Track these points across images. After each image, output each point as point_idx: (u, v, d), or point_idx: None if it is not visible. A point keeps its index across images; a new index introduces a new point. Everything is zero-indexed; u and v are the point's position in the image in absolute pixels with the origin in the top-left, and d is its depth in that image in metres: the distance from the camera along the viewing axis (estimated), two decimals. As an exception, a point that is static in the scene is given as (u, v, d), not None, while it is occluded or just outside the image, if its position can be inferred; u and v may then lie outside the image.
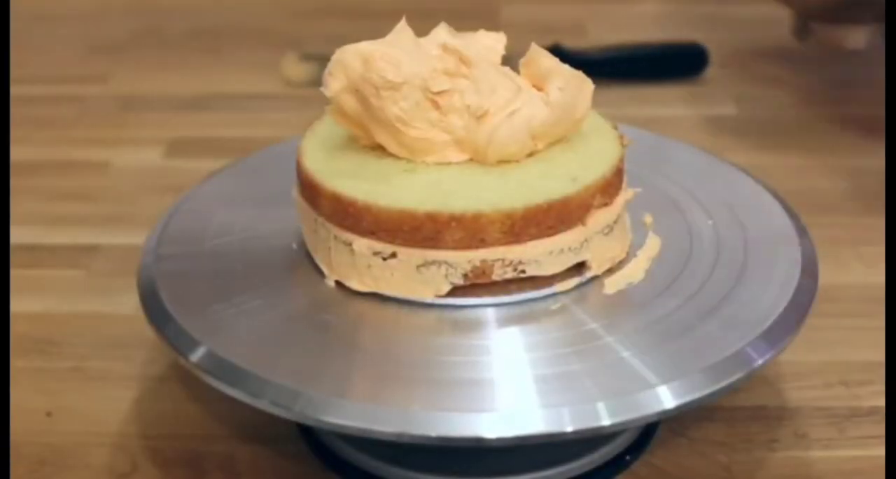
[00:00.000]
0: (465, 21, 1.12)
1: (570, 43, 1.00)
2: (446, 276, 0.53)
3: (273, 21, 1.17)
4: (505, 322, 0.53)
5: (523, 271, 0.53)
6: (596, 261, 0.55)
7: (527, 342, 0.52)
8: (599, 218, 0.55)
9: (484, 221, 0.52)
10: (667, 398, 0.49)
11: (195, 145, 0.91)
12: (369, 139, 0.56)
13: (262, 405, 0.49)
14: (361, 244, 0.53)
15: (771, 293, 0.55)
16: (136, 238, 0.62)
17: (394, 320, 0.54)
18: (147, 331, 0.56)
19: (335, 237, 0.54)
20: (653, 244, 0.58)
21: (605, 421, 0.48)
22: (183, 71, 1.06)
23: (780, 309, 0.54)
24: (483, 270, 0.53)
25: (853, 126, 0.90)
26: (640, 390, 0.49)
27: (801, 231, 0.60)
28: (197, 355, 0.52)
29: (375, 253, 0.53)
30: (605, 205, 0.55)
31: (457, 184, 0.54)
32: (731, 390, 0.51)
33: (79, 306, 0.72)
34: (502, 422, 0.48)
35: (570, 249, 0.54)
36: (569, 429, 0.48)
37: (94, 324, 0.70)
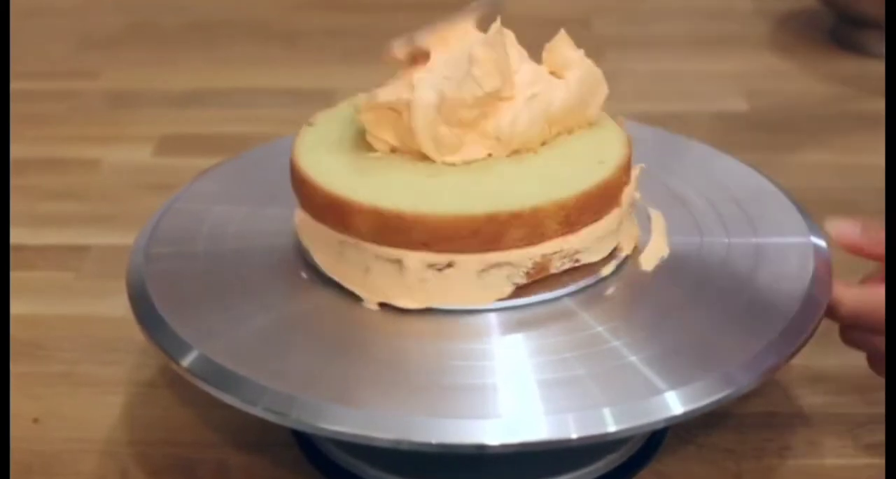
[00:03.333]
0: (466, 15, 1.12)
1: (575, 37, 1.00)
2: (508, 277, 0.53)
3: (267, 15, 1.17)
4: (507, 326, 0.53)
5: (578, 260, 0.54)
6: (625, 242, 0.56)
7: (530, 346, 0.52)
8: (627, 197, 0.55)
9: (542, 215, 0.52)
10: (675, 404, 0.49)
11: (188, 142, 0.91)
12: (391, 141, 0.55)
13: (257, 411, 0.49)
14: (413, 259, 0.52)
15: (783, 296, 0.55)
16: (127, 238, 0.62)
17: (393, 324, 0.53)
18: (137, 335, 0.55)
19: (376, 257, 0.52)
20: (658, 218, 0.59)
21: (611, 428, 0.48)
22: (175, 66, 1.06)
23: (793, 312, 0.53)
24: (543, 265, 0.53)
25: (869, 123, 0.90)
26: (648, 396, 0.49)
27: (814, 231, 0.60)
28: (189, 360, 0.52)
29: (430, 266, 0.52)
30: (627, 183, 0.56)
31: (495, 181, 0.53)
32: (742, 395, 0.50)
33: (67, 308, 0.72)
34: (505, 429, 0.48)
35: (611, 232, 0.55)
36: (574, 436, 0.47)
37: (83, 327, 0.70)
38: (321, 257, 0.55)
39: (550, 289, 0.54)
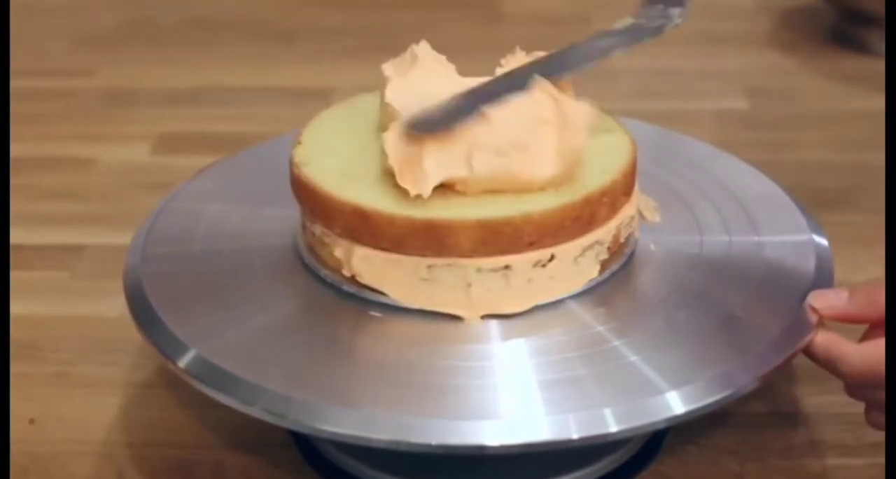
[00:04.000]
0: (465, 11, 1.13)
1: (575, 34, 0.99)
2: (597, 256, 0.54)
3: (266, 13, 1.17)
4: (508, 326, 0.53)
5: (631, 226, 0.56)
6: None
7: (531, 346, 0.52)
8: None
9: (618, 187, 0.54)
10: (676, 404, 0.49)
11: (185, 141, 0.91)
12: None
13: (254, 412, 0.49)
14: (521, 262, 0.52)
15: (784, 295, 0.55)
16: (123, 238, 0.62)
17: (392, 324, 0.53)
18: (134, 335, 0.55)
19: (478, 270, 0.52)
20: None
21: (613, 428, 0.48)
22: (173, 64, 1.05)
23: (794, 311, 0.53)
24: (616, 237, 0.55)
25: (871, 121, 0.90)
26: (649, 396, 0.49)
27: (816, 230, 0.60)
28: (186, 361, 0.51)
29: (536, 264, 0.52)
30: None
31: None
32: (743, 395, 0.50)
33: (63, 308, 0.71)
34: (505, 429, 0.48)
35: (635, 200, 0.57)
36: (575, 436, 0.47)
37: (79, 327, 0.69)
38: (397, 290, 0.53)
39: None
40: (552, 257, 0.53)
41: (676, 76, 1.02)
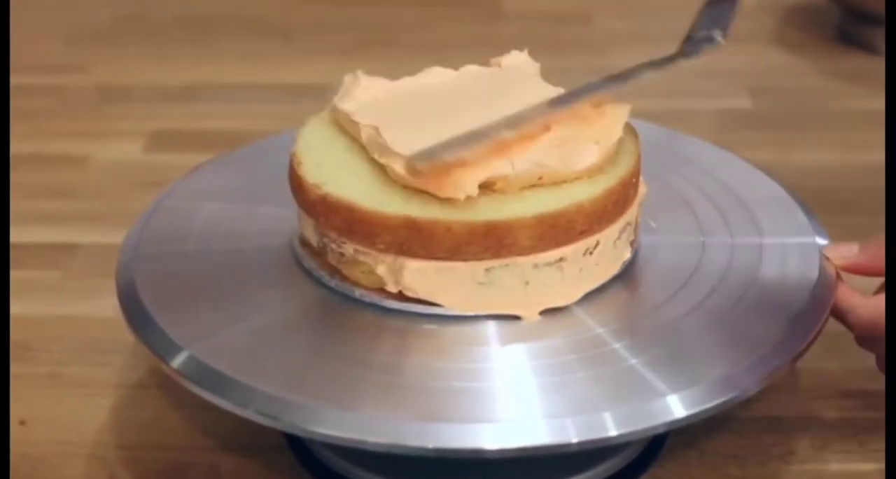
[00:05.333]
0: (466, 9, 1.13)
1: (576, 32, 1.00)
2: (628, 237, 0.56)
3: (262, 8, 1.17)
4: (506, 328, 0.53)
5: (643, 204, 0.58)
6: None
7: (530, 349, 0.52)
8: None
9: (638, 166, 0.56)
10: (677, 408, 0.49)
11: (179, 138, 0.91)
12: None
13: (249, 414, 0.49)
14: (573, 252, 0.53)
15: (787, 297, 0.55)
16: (116, 237, 0.62)
17: (388, 326, 0.53)
18: (127, 335, 0.55)
19: (535, 266, 0.53)
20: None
21: (612, 432, 0.48)
22: (167, 60, 1.05)
23: (797, 314, 0.54)
24: (637, 216, 0.57)
25: (876, 121, 0.90)
26: (649, 400, 0.49)
27: (819, 232, 0.60)
28: (179, 361, 0.51)
29: (585, 252, 0.54)
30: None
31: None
32: (745, 399, 0.50)
33: (55, 308, 0.71)
34: (504, 433, 0.48)
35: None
36: (574, 440, 0.48)
37: (70, 328, 0.69)
38: (453, 299, 0.53)
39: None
40: (597, 244, 0.54)
41: (678, 75, 1.01)
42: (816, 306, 0.55)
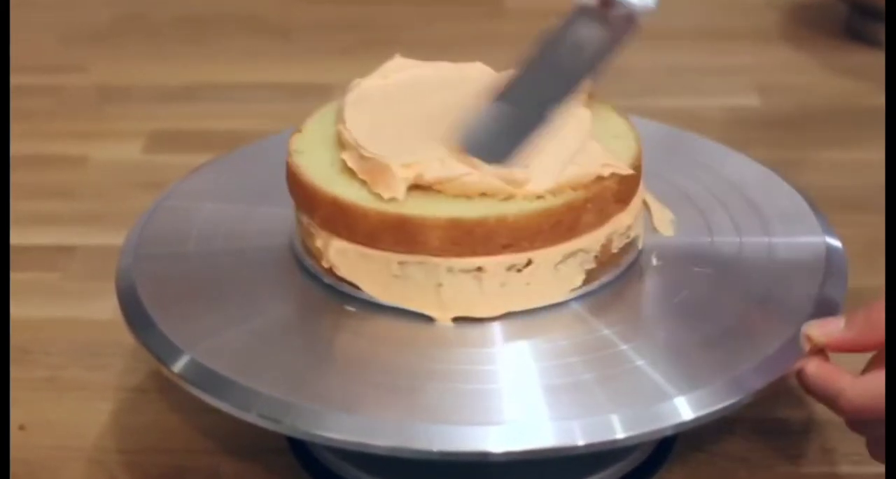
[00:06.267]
0: (467, 8, 1.13)
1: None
2: (581, 264, 0.54)
3: (261, 8, 1.17)
4: (511, 329, 0.53)
5: (629, 236, 0.55)
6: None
7: (535, 350, 0.52)
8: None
9: (607, 193, 0.53)
10: (685, 410, 0.49)
11: (179, 138, 0.91)
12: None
13: (250, 417, 0.49)
14: (494, 264, 0.52)
15: (796, 297, 0.55)
16: (115, 238, 0.62)
17: (391, 328, 0.53)
18: (126, 338, 0.55)
19: (449, 270, 0.52)
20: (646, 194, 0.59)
21: (619, 434, 0.48)
22: (166, 60, 1.05)
23: (807, 314, 0.53)
24: (607, 246, 0.54)
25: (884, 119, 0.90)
26: (657, 402, 0.49)
27: (829, 232, 0.60)
28: (180, 364, 0.51)
29: (510, 268, 0.52)
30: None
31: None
32: (753, 401, 0.50)
33: (53, 311, 0.71)
34: (509, 435, 0.48)
35: (641, 206, 0.57)
36: (580, 443, 0.47)
37: (69, 330, 0.69)
38: (371, 285, 0.54)
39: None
40: (529, 262, 0.52)
41: (685, 73, 1.02)
42: (825, 305, 0.54)
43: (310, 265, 0.56)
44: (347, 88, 0.59)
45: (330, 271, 0.54)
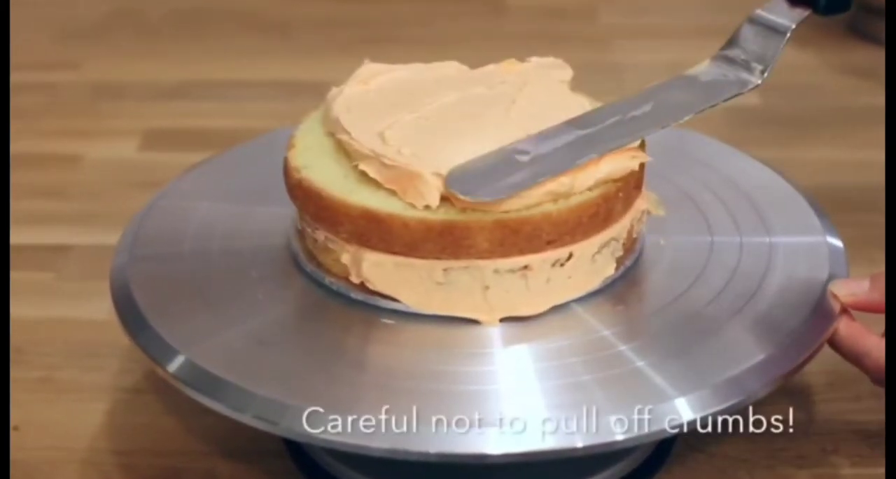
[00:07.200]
0: (467, 4, 1.13)
1: (580, 27, 1.00)
2: (612, 253, 0.55)
3: (258, 4, 1.17)
4: (510, 330, 0.53)
5: (642, 220, 0.57)
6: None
7: (534, 351, 0.52)
8: None
9: (630, 181, 0.55)
10: (685, 411, 0.49)
11: (175, 137, 0.91)
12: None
13: (246, 418, 0.49)
14: (539, 261, 0.52)
15: (797, 298, 0.55)
16: (110, 238, 0.62)
17: (389, 328, 0.53)
18: (121, 338, 0.55)
19: (496, 272, 0.52)
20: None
21: (619, 436, 0.48)
22: (161, 57, 1.06)
23: (807, 315, 0.54)
24: (630, 232, 0.56)
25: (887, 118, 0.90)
26: (656, 403, 0.49)
27: (830, 231, 0.60)
28: (175, 365, 0.51)
29: (554, 263, 0.53)
30: None
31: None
32: (754, 402, 0.50)
33: (48, 311, 0.72)
34: (507, 437, 0.48)
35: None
36: (579, 445, 0.48)
37: (64, 331, 0.69)
38: (410, 296, 0.53)
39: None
40: (570, 256, 0.53)
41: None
42: (826, 307, 0.54)
43: (329, 282, 0.55)
44: (327, 96, 0.58)
45: (362, 286, 0.54)
